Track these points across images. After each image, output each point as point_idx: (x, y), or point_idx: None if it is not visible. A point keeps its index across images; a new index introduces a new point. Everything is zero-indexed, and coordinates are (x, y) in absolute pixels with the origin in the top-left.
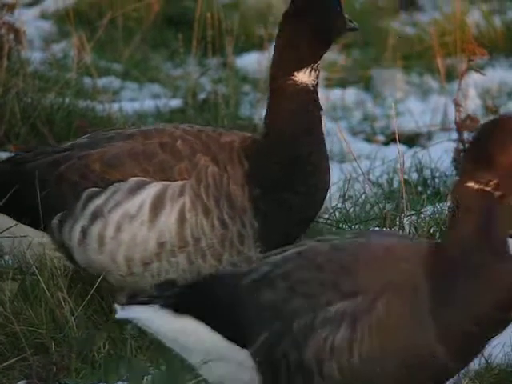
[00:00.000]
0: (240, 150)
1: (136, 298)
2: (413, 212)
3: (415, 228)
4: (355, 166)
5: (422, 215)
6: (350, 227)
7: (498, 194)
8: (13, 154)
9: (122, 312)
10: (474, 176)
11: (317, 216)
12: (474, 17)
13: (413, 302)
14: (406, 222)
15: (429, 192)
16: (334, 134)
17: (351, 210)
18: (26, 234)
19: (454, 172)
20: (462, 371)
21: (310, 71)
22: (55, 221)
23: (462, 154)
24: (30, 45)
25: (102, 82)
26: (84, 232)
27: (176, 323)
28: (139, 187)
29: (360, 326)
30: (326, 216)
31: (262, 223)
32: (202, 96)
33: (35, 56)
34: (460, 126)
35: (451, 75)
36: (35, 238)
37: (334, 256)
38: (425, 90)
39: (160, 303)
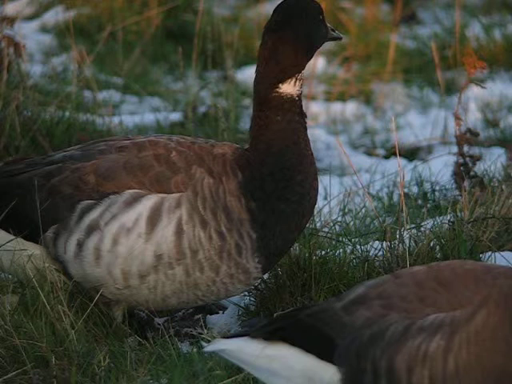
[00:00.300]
0: (233, 161)
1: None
2: (413, 225)
3: (415, 241)
4: (355, 179)
5: (422, 229)
6: (349, 241)
7: None
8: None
9: (211, 346)
10: None
11: (310, 219)
12: (474, 30)
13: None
14: (406, 235)
15: (429, 205)
16: (335, 147)
17: (351, 223)
18: (22, 247)
19: (454, 185)
20: None
21: (295, 82)
22: (49, 234)
23: (462, 167)
24: (30, 58)
25: (102, 95)
26: (80, 245)
27: (267, 350)
28: (135, 199)
29: (458, 337)
30: (327, 229)
31: (260, 233)
32: (202, 109)
33: (35, 69)
34: (460, 140)
35: (451, 89)
36: (32, 251)
37: (431, 274)
38: (425, 103)
39: (250, 335)
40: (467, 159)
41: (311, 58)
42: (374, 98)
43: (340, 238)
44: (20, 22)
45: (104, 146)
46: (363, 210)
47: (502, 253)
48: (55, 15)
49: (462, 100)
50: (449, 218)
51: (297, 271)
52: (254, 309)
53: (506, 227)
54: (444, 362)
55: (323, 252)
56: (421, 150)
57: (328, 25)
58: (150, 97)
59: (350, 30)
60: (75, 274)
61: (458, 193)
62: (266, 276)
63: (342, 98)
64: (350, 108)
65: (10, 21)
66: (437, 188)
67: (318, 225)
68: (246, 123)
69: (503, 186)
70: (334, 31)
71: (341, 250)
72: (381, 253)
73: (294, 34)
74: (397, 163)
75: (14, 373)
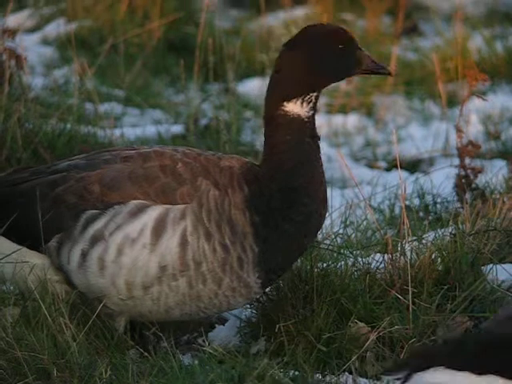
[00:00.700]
0: (240, 175)
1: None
2: (414, 238)
3: (417, 254)
4: (357, 191)
5: (424, 241)
6: (351, 253)
7: None
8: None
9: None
10: None
11: (312, 243)
12: (476, 42)
13: None
14: (407, 247)
15: (430, 218)
16: (336, 159)
17: (353, 235)
18: (25, 256)
19: (456, 198)
20: None
21: (302, 102)
22: (53, 243)
23: (463, 179)
24: (31, 70)
25: (103, 107)
26: (84, 255)
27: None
28: (140, 210)
29: None
30: (328, 242)
31: (262, 248)
32: (203, 122)
33: (37, 82)
34: (462, 152)
35: (453, 101)
36: (34, 263)
37: None
38: (426, 115)
39: (442, 364)
40: (469, 171)
41: (324, 84)
42: (376, 110)
43: (341, 251)
44: (21, 34)
45: (109, 156)
46: (365, 223)
47: (503, 265)
48: (57, 27)
49: (464, 112)
50: (450, 230)
51: (298, 283)
52: (256, 321)
53: (508, 240)
54: None
55: (325, 264)
56: (422, 162)
57: (369, 57)
58: (151, 109)
59: None
60: (79, 284)
61: (459, 205)
62: (267, 288)
63: (344, 110)
64: (352, 120)
65: (12, 33)
66: (438, 200)
67: (319, 237)
68: (247, 135)
69: (505, 199)
70: (375, 63)
71: (342, 263)
72: (382, 265)
73: (303, 56)
74: (398, 175)
75: None
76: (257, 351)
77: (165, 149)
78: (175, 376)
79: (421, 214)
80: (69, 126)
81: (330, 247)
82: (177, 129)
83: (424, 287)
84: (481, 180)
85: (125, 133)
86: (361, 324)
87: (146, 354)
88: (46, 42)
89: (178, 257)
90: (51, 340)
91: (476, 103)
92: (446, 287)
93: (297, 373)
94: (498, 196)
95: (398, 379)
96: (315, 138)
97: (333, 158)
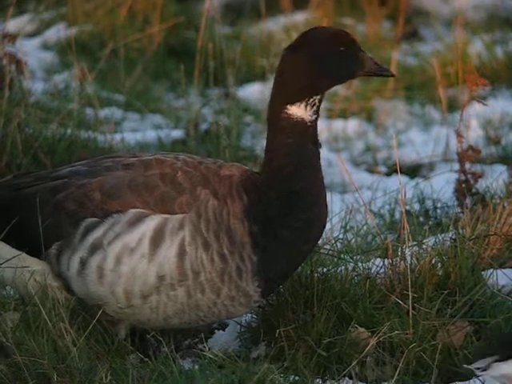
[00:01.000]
0: (239, 184)
1: None
2: (414, 243)
3: (417, 259)
4: (357, 196)
5: (424, 246)
6: (351, 258)
7: None
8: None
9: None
10: None
11: (313, 250)
12: (476, 47)
13: None
14: (407, 252)
15: (430, 223)
16: (336, 164)
17: (353, 240)
18: (25, 262)
19: (456, 203)
20: None
21: (306, 106)
22: (53, 250)
23: (464, 184)
24: (31, 75)
25: (103, 112)
26: (83, 263)
27: None
28: (138, 219)
29: None
30: (328, 247)
31: (261, 257)
32: (203, 127)
33: (37, 86)
34: (462, 157)
35: (453, 106)
36: (35, 269)
37: None
38: (427, 120)
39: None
40: (469, 176)
41: (328, 87)
42: (376, 115)
43: (342, 256)
44: (22, 39)
45: (111, 163)
46: (365, 228)
47: (503, 270)
48: (57, 32)
49: (464, 117)
50: (450, 235)
51: (299, 288)
52: (256, 326)
53: (508, 244)
54: None
55: (325, 269)
56: (422, 167)
57: (372, 59)
58: (151, 114)
59: None
60: (78, 292)
61: (459, 210)
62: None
63: (344, 115)
64: (352, 125)
65: (12, 38)
66: (438, 205)
67: (319, 242)
68: (247, 140)
69: (505, 204)
70: (377, 65)
71: (342, 268)
72: (382, 270)
73: (306, 59)
74: (398, 180)
75: None
76: (257, 356)
77: (166, 156)
78: (175, 381)
79: (421, 218)
80: (69, 130)
81: (331, 252)
82: (177, 134)
83: (424, 292)
84: (481, 185)
85: (125, 138)
86: (361, 329)
87: (146, 359)
88: (46, 46)
89: (176, 267)
90: (51, 345)
91: (476, 108)
92: (446, 292)
93: (297, 378)
94: (498, 201)
95: (477, 368)
96: (317, 144)
97: (333, 163)
